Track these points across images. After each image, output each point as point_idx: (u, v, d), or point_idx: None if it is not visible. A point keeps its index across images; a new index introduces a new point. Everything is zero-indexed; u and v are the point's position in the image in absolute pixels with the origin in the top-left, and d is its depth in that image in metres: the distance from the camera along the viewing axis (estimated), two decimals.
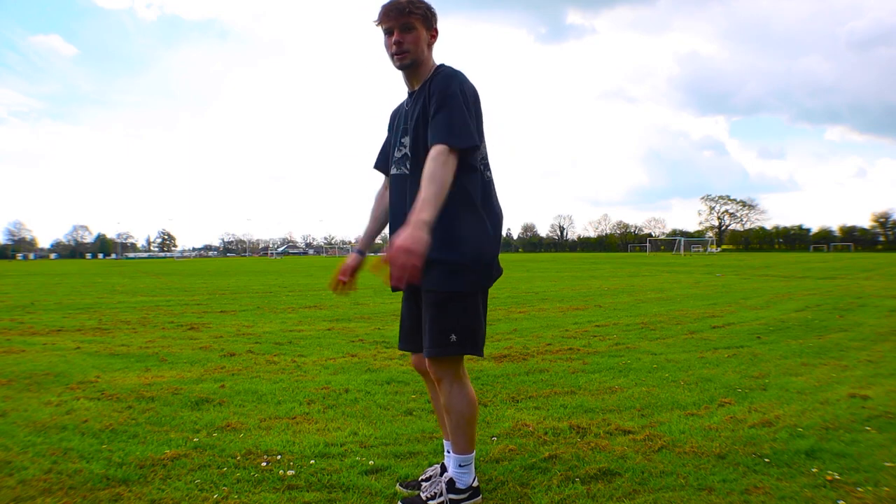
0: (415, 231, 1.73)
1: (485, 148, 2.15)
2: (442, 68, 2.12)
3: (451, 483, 2.15)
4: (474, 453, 2.19)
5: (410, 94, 2.20)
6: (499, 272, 2.16)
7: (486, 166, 2.15)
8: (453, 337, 2.03)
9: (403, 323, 2.30)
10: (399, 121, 2.24)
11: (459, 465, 2.16)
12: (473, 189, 2.06)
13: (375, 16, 2.10)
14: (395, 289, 1.93)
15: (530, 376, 4.26)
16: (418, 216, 1.77)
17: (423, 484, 2.26)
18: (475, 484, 2.20)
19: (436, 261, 1.95)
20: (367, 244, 2.50)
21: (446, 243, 1.99)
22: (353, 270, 2.38)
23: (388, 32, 2.09)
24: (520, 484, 2.38)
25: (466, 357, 2.17)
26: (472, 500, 2.17)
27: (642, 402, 3.53)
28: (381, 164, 2.37)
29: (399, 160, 2.18)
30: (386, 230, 2.37)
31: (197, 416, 3.29)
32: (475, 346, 2.08)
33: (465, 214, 2.04)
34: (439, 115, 1.97)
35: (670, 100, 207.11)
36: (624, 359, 4.86)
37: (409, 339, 2.28)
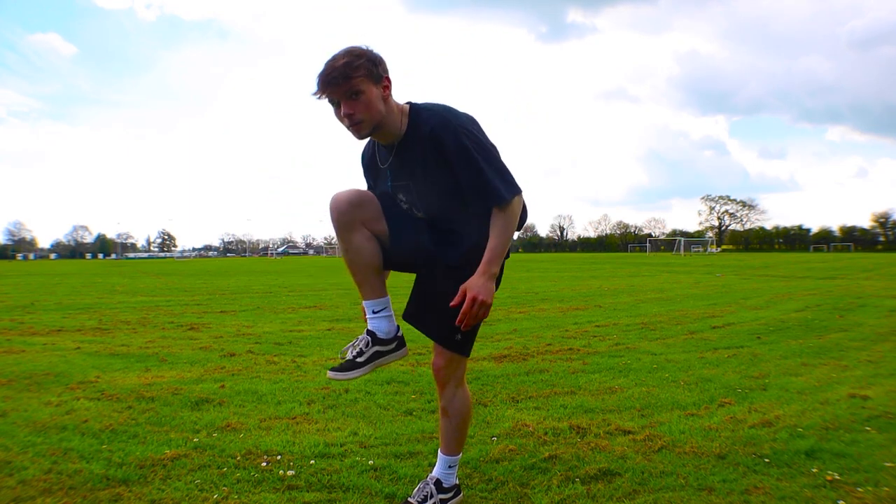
0: (487, 283, 1.87)
1: None
2: (422, 114, 1.93)
3: (438, 483, 2.18)
4: (460, 455, 2.22)
5: (388, 148, 2.03)
6: None
7: None
8: (458, 336, 2.03)
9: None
10: (382, 176, 2.11)
11: (449, 467, 2.19)
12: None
13: (313, 87, 1.83)
14: (462, 324, 1.93)
15: (530, 376, 4.26)
16: (489, 268, 1.88)
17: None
18: (456, 482, 2.23)
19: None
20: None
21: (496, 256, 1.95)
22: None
23: (334, 104, 1.86)
24: (520, 484, 2.38)
25: (470, 356, 2.19)
26: (456, 498, 2.20)
27: (642, 402, 3.53)
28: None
29: (407, 209, 2.11)
30: None
31: (197, 416, 3.29)
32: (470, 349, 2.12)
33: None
34: (484, 174, 1.86)
35: (670, 99, 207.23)
36: (624, 359, 4.86)
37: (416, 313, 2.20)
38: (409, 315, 2.20)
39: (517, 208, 1.94)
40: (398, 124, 1.95)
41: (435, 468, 2.22)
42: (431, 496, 2.14)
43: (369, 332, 2.06)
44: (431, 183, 1.97)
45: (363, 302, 2.10)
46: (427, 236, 2.08)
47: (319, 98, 1.86)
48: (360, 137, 1.94)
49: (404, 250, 2.09)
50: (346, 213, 1.96)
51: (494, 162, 1.91)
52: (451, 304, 1.91)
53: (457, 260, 2.01)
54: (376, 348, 2.05)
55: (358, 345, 2.07)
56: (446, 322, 2.00)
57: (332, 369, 2.03)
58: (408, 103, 2.00)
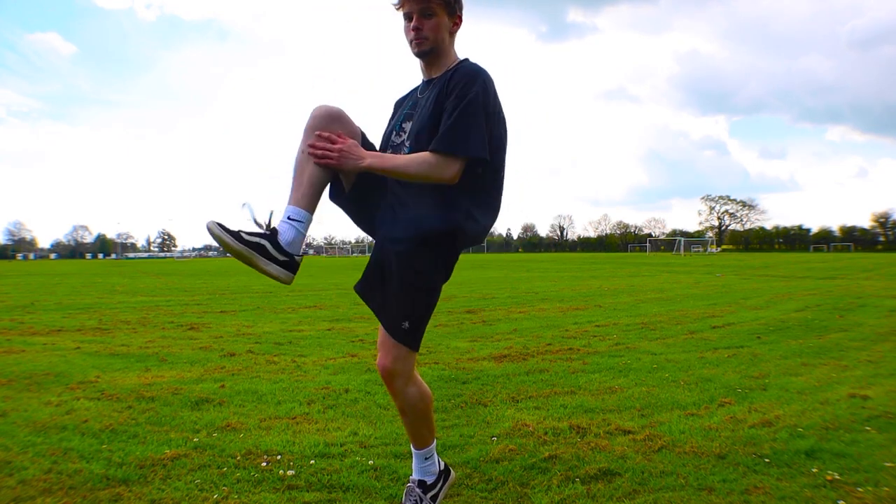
0: (361, 156, 1.86)
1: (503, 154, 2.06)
2: (465, 63, 2.01)
3: (422, 484, 2.12)
4: (435, 441, 2.16)
5: (426, 82, 2.10)
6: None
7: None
8: (406, 325, 1.94)
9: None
10: (404, 106, 2.15)
11: (424, 460, 2.12)
12: (486, 187, 2.00)
13: None
14: (312, 154, 1.89)
15: (530, 376, 4.26)
16: (375, 156, 1.88)
17: None
18: (442, 467, 2.18)
19: (429, 242, 1.92)
20: None
21: (440, 225, 1.91)
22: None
23: (408, 17, 1.98)
24: (520, 484, 2.38)
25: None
26: (446, 482, 2.18)
27: (642, 402, 3.53)
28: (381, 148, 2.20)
29: (397, 146, 2.07)
30: None
31: (197, 416, 3.29)
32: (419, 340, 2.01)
33: (473, 209, 1.96)
34: (453, 119, 1.86)
35: (671, 99, 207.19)
36: (624, 359, 4.86)
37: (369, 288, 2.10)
38: (360, 289, 2.11)
39: (445, 169, 1.86)
40: (449, 62, 2.04)
41: (413, 468, 2.16)
42: (421, 500, 2.10)
43: (271, 229, 1.87)
44: (434, 114, 1.94)
45: (287, 204, 1.94)
46: (389, 202, 2.02)
47: (398, 9, 1.99)
48: (417, 54, 2.02)
49: (365, 204, 2.05)
50: (319, 119, 1.93)
51: (470, 118, 1.87)
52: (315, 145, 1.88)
53: (401, 234, 1.93)
54: (266, 243, 1.83)
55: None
56: (394, 306, 1.95)
57: (218, 223, 1.80)
58: (465, 58, 2.07)
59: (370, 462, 2.59)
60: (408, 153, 1.98)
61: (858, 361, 4.67)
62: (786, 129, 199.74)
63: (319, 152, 1.87)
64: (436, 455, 2.17)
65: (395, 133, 2.10)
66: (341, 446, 2.79)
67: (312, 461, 2.60)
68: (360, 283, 2.10)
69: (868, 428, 3.00)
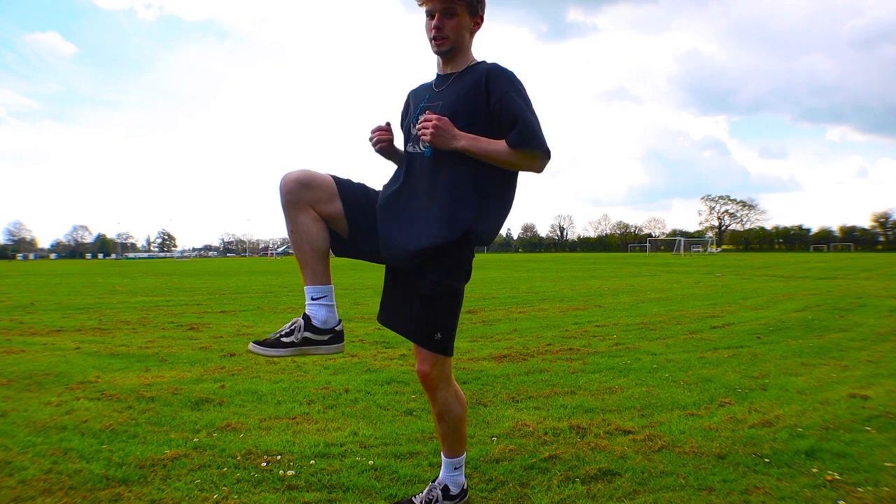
0: (454, 133, 1.91)
1: None
2: (493, 64, 2.04)
3: (446, 490, 2.14)
4: (465, 454, 2.20)
5: (442, 77, 2.12)
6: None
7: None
8: (438, 335, 1.98)
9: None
10: (420, 98, 2.14)
11: (454, 468, 2.16)
12: (504, 187, 2.05)
13: None
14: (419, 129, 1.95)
15: (530, 376, 4.26)
16: (465, 136, 1.91)
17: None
18: (466, 486, 2.21)
19: (441, 248, 1.93)
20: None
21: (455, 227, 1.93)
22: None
23: (430, 15, 2.01)
24: (520, 484, 2.38)
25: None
26: (462, 501, 2.19)
27: (642, 402, 3.53)
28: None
29: (416, 138, 2.05)
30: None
31: (197, 416, 3.29)
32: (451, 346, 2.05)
33: (487, 205, 2.00)
34: (526, 119, 1.91)
35: (671, 99, 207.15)
36: (624, 359, 4.86)
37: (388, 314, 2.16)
38: (383, 319, 2.15)
39: (539, 160, 1.96)
40: (467, 61, 2.09)
41: (441, 472, 2.18)
42: (437, 500, 2.12)
43: (304, 317, 1.98)
44: (461, 103, 1.98)
45: (304, 287, 2.03)
46: (393, 224, 2.01)
47: (421, 4, 2.02)
48: (438, 52, 2.06)
49: (365, 236, 2.05)
50: (293, 191, 1.95)
51: (533, 112, 1.96)
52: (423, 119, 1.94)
53: (414, 249, 1.93)
54: (307, 334, 1.97)
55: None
56: (422, 321, 1.97)
57: (255, 342, 1.96)
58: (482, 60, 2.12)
59: (370, 462, 2.59)
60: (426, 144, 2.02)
61: (858, 361, 4.67)
62: (786, 129, 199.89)
63: (425, 130, 1.91)
64: (463, 469, 2.19)
65: (412, 125, 2.09)
66: (341, 446, 2.79)
67: (312, 461, 2.60)
68: (381, 313, 2.17)
69: (868, 428, 3.00)
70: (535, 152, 1.93)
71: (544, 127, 1.97)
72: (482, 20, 2.08)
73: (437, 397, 2.04)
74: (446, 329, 1.99)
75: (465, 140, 1.91)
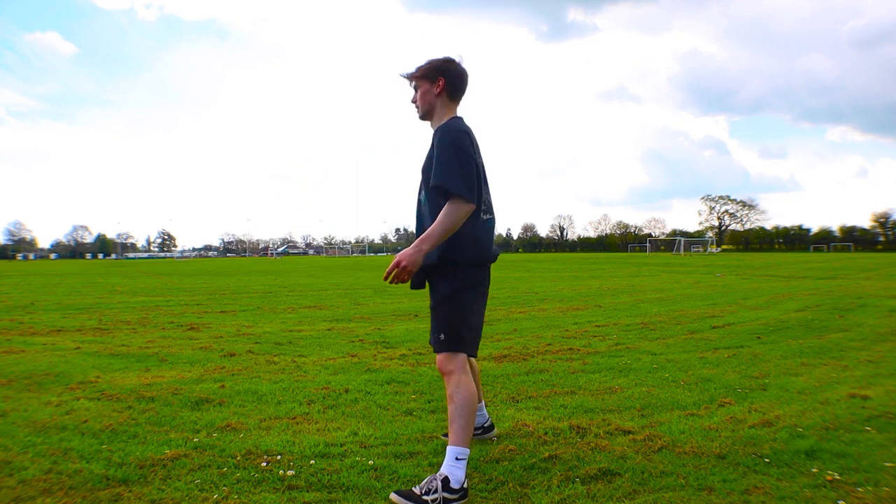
0: (415, 254, 2.21)
1: (487, 194, 2.46)
2: (448, 121, 2.41)
3: (445, 481, 2.21)
4: (469, 450, 2.30)
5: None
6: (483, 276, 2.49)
7: (488, 210, 2.47)
8: (442, 336, 2.37)
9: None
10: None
11: (456, 459, 2.25)
12: (468, 232, 2.35)
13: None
14: (386, 279, 2.26)
15: (530, 376, 4.26)
16: (420, 244, 2.23)
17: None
18: (466, 485, 2.26)
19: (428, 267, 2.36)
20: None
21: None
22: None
23: (415, 89, 2.51)
24: (520, 484, 2.38)
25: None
26: (461, 502, 2.22)
27: (642, 402, 3.53)
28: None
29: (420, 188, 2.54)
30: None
31: (197, 416, 3.29)
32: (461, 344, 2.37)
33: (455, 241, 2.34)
34: (441, 160, 2.28)
35: (671, 99, 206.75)
36: (624, 359, 4.86)
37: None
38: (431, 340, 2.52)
39: (460, 207, 2.24)
40: (439, 122, 2.46)
41: (444, 462, 2.27)
42: (435, 491, 2.19)
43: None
44: (427, 163, 2.40)
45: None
46: None
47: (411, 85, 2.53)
48: (419, 118, 2.54)
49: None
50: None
51: (453, 161, 2.27)
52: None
53: (426, 263, 2.32)
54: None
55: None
56: (433, 327, 2.42)
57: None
58: (456, 117, 2.48)
59: (370, 462, 2.59)
60: (422, 195, 2.48)
61: (858, 361, 4.67)
62: (786, 129, 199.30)
63: (394, 280, 2.25)
64: (465, 466, 2.27)
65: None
66: (341, 446, 2.79)
67: (312, 461, 2.60)
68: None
69: (868, 428, 3.00)
70: (451, 197, 2.24)
71: (468, 175, 2.27)
72: (443, 82, 2.43)
73: (448, 382, 2.35)
74: (448, 330, 2.35)
75: (423, 244, 2.23)
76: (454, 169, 2.25)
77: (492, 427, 2.90)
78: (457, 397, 2.30)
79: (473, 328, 2.40)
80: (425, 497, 2.17)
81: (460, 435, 2.27)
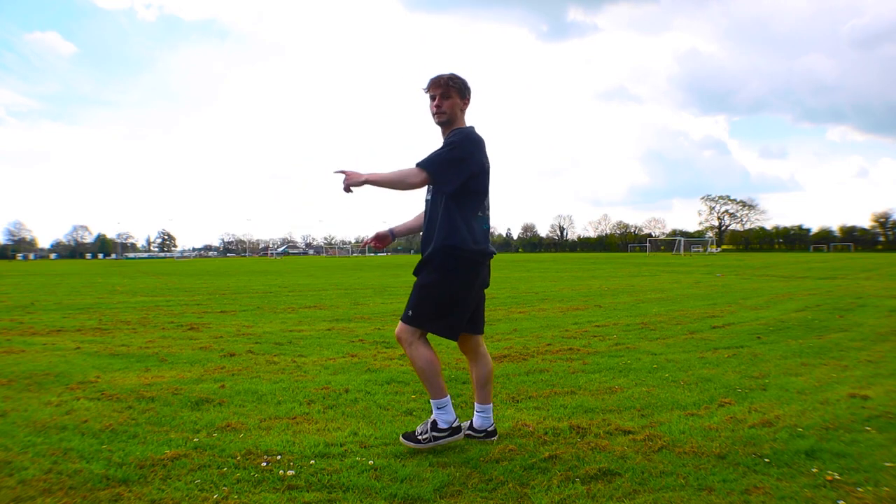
0: (358, 176, 2.58)
1: (487, 194, 2.83)
2: (463, 127, 2.83)
3: (433, 423, 2.77)
4: (448, 398, 2.80)
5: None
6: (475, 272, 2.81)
7: (484, 210, 2.82)
8: (409, 312, 2.77)
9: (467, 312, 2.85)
10: None
11: (437, 408, 2.78)
12: (464, 224, 2.72)
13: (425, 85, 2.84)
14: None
15: (530, 376, 4.26)
16: (370, 175, 2.60)
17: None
18: (455, 424, 2.78)
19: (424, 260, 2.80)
20: (402, 231, 3.11)
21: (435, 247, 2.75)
22: (384, 239, 3.10)
23: (432, 98, 2.81)
24: (520, 484, 2.38)
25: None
26: (451, 437, 2.76)
27: (642, 402, 3.53)
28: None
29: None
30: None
31: (197, 416, 3.29)
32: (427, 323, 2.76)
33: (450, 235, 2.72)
34: (435, 152, 2.73)
35: (671, 99, 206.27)
36: (624, 359, 4.86)
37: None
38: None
39: (417, 174, 2.64)
40: (455, 127, 2.84)
41: (433, 411, 2.80)
42: (426, 432, 2.76)
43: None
44: None
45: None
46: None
47: (426, 92, 2.83)
48: (437, 123, 2.84)
49: None
50: None
51: (444, 153, 2.69)
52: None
53: (423, 256, 2.80)
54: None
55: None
56: (408, 301, 2.81)
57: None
58: (471, 126, 2.89)
59: (370, 462, 2.59)
60: (429, 195, 2.87)
61: (858, 361, 4.67)
62: (786, 129, 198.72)
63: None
64: (450, 408, 2.79)
65: None
66: (341, 446, 2.79)
67: (312, 461, 2.60)
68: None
69: (868, 428, 3.00)
70: (418, 166, 2.66)
71: (444, 164, 2.67)
72: (469, 101, 2.86)
73: (406, 352, 2.81)
74: (415, 309, 2.75)
75: (371, 176, 2.60)
76: (439, 157, 2.68)
77: (494, 433, 2.93)
78: (415, 366, 2.76)
79: (452, 315, 2.75)
80: (420, 437, 2.74)
81: (431, 391, 2.78)
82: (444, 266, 2.73)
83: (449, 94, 2.77)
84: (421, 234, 2.93)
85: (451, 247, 2.70)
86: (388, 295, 11.47)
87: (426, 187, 2.82)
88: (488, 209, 2.86)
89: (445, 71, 2.84)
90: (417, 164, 2.65)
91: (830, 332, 6.15)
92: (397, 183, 2.62)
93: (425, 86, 2.83)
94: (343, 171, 2.60)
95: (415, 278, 2.86)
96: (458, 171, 2.67)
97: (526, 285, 14.22)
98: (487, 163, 2.81)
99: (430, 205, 2.83)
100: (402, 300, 10.31)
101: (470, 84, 2.87)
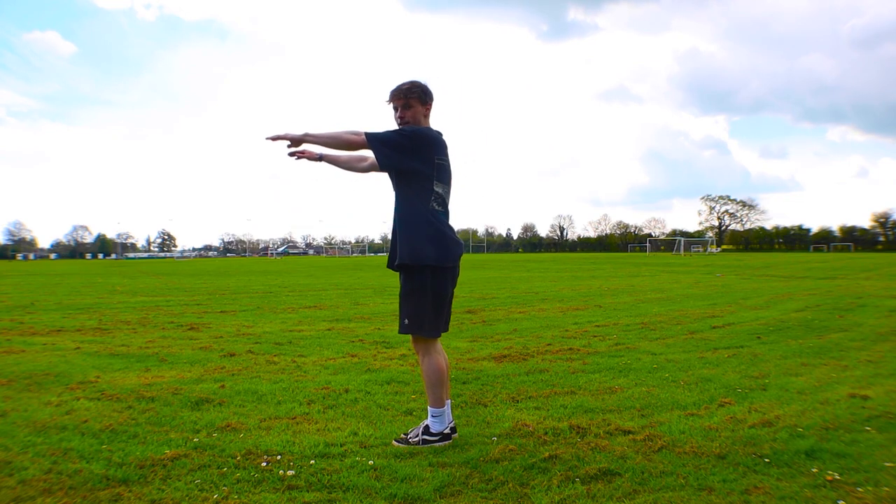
0: (295, 133, 2.75)
1: (443, 189, 2.89)
2: (419, 126, 2.89)
3: (426, 428, 2.86)
4: (444, 409, 2.87)
5: None
6: (450, 272, 2.90)
7: (441, 204, 2.87)
8: (406, 321, 2.86)
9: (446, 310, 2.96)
10: None
11: (432, 416, 2.86)
12: (422, 216, 2.81)
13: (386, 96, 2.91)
14: (272, 138, 2.78)
15: (530, 376, 4.26)
16: (308, 132, 2.73)
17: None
18: (446, 432, 2.86)
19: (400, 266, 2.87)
20: (321, 154, 3.03)
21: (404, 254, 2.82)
22: (306, 152, 2.98)
23: (395, 108, 2.90)
24: (520, 484, 2.38)
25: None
26: (441, 443, 2.81)
27: (642, 402, 3.53)
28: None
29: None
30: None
31: (197, 416, 3.29)
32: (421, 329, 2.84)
33: (415, 233, 2.81)
34: (386, 130, 2.81)
35: (671, 99, 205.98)
36: (624, 359, 4.86)
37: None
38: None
39: (356, 135, 2.72)
40: None
41: (428, 417, 2.89)
42: (417, 435, 2.84)
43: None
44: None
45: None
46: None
47: (388, 103, 2.91)
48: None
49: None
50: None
51: (390, 132, 2.80)
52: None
53: (398, 261, 2.85)
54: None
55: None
56: (400, 312, 2.90)
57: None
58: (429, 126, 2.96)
59: (370, 462, 2.59)
60: (394, 189, 2.93)
61: (858, 361, 4.67)
62: (786, 129, 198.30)
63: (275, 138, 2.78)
64: (446, 418, 2.88)
65: None
66: (341, 446, 2.79)
67: (312, 461, 2.60)
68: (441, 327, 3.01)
69: (868, 428, 3.00)
70: (364, 133, 2.74)
71: (383, 137, 2.76)
72: (431, 106, 2.93)
73: (419, 361, 2.94)
74: (411, 317, 2.84)
75: (309, 133, 2.74)
76: (385, 133, 2.77)
77: (454, 431, 2.94)
78: (424, 373, 2.87)
79: (436, 316, 2.85)
80: (412, 440, 2.82)
81: (431, 399, 2.87)
82: (422, 274, 2.83)
83: (409, 104, 2.87)
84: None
85: (421, 262, 2.79)
86: (388, 295, 11.47)
87: (394, 195, 2.92)
88: (445, 201, 2.91)
89: (405, 80, 2.91)
90: (364, 132, 2.73)
91: (830, 332, 6.15)
92: (333, 140, 2.70)
93: (387, 97, 2.91)
94: (279, 136, 2.71)
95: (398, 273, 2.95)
96: (396, 151, 2.73)
97: (526, 285, 14.22)
98: (444, 161, 2.89)
99: (394, 210, 2.91)
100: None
101: (431, 88, 2.92)
